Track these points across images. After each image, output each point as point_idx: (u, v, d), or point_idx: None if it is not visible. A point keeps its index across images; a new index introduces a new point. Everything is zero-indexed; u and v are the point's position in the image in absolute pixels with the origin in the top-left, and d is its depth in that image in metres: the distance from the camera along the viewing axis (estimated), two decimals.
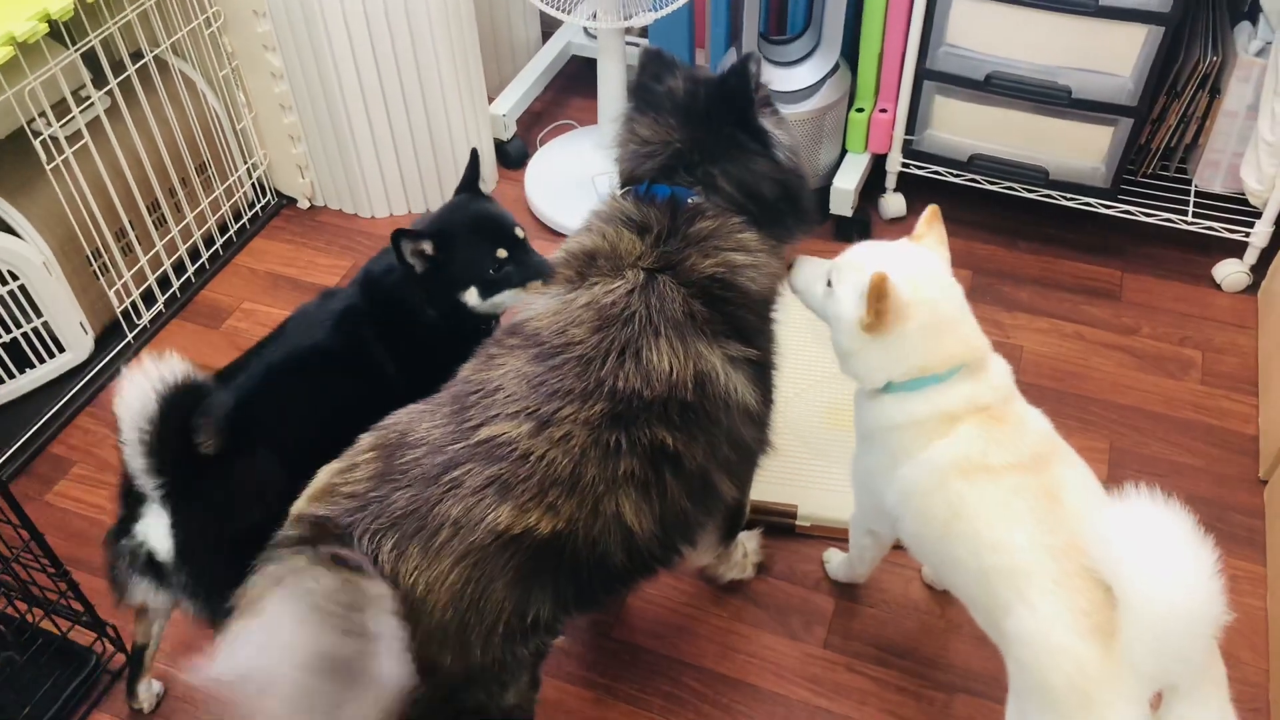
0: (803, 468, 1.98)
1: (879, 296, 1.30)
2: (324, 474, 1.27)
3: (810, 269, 1.47)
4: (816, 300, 1.45)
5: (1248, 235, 2.31)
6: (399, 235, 1.55)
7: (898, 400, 1.39)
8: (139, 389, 1.32)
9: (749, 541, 1.85)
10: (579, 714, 1.72)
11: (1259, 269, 2.35)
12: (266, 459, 1.50)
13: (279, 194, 2.74)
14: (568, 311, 1.36)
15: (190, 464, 1.41)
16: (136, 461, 1.37)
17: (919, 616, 1.82)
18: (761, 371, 1.44)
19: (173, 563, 1.47)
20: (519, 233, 1.62)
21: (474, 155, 1.72)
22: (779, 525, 1.92)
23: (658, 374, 1.30)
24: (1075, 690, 1.17)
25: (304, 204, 2.72)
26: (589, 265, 1.41)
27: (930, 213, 1.45)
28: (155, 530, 1.47)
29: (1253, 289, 2.37)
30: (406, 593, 1.16)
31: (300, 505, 1.24)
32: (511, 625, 1.23)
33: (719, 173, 1.45)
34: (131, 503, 1.50)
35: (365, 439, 1.28)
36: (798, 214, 1.52)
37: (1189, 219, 2.34)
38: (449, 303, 1.62)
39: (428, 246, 1.57)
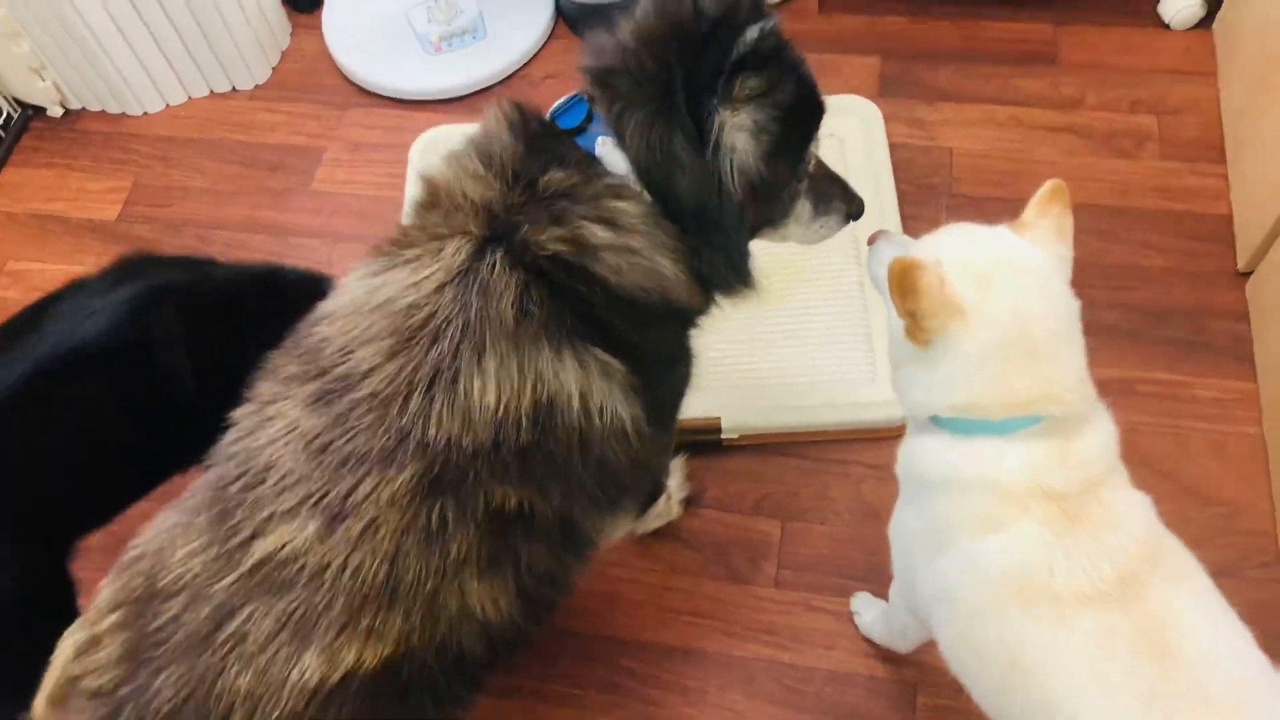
0: (719, 367, 1.66)
1: (905, 290, 0.91)
2: (64, 647, 0.93)
3: (885, 251, 1.05)
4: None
5: None
6: None
7: (941, 443, 1.00)
8: None
9: (669, 480, 1.55)
10: None
11: None
12: None
13: (20, 104, 2.18)
14: (360, 316, 0.96)
15: None
16: None
17: (877, 523, 1.55)
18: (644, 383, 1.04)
19: None
20: None
21: None
22: (703, 443, 1.62)
23: (481, 411, 0.93)
24: None
25: (55, 111, 2.16)
26: (424, 217, 1.01)
27: (1049, 191, 0.99)
28: None
29: (1206, 22, 2.00)
30: None
31: (39, 710, 0.90)
32: None
33: (631, 125, 0.97)
34: None
35: (105, 590, 0.93)
36: (711, 248, 1.03)
37: None
38: None
39: None
